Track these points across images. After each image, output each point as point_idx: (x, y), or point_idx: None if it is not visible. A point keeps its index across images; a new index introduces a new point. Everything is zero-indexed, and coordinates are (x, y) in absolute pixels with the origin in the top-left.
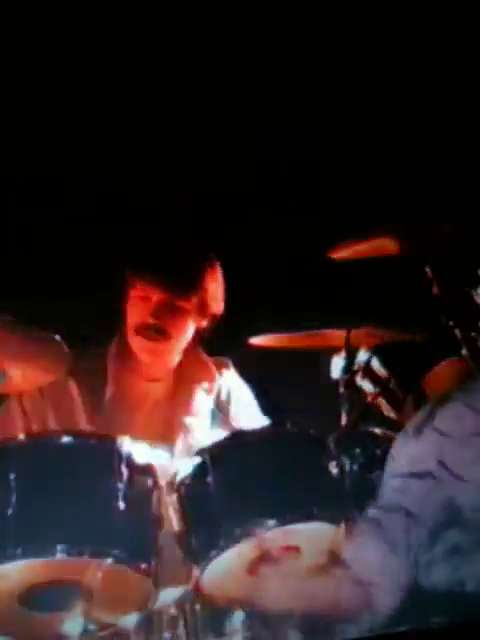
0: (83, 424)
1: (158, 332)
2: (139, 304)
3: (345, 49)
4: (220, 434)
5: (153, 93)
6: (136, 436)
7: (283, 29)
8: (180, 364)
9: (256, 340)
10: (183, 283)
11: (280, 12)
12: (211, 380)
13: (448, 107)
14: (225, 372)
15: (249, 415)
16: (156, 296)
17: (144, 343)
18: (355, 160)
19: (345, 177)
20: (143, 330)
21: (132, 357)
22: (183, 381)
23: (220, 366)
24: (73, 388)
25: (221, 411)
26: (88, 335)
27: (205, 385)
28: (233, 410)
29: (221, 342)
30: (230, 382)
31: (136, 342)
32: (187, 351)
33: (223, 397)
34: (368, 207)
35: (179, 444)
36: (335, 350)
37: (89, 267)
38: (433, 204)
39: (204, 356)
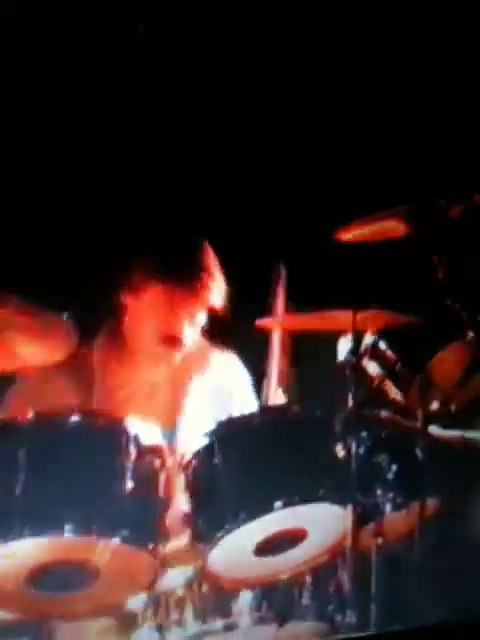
0: None
1: (184, 342)
2: (165, 312)
3: (345, 49)
4: (226, 416)
5: (153, 93)
6: (148, 418)
7: (283, 29)
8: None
9: (263, 322)
10: (215, 294)
11: (280, 12)
12: (208, 362)
13: (447, 105)
14: (222, 356)
15: (246, 401)
16: (187, 307)
17: (167, 352)
18: (355, 160)
19: (345, 177)
20: (173, 342)
21: (129, 349)
22: (181, 364)
23: (217, 349)
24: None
25: (222, 394)
26: (88, 334)
27: (204, 367)
28: (232, 394)
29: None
30: (226, 367)
31: (159, 350)
32: None
33: (222, 380)
34: (368, 206)
35: (184, 426)
36: (342, 333)
37: (89, 267)
38: (434, 203)
39: (201, 339)
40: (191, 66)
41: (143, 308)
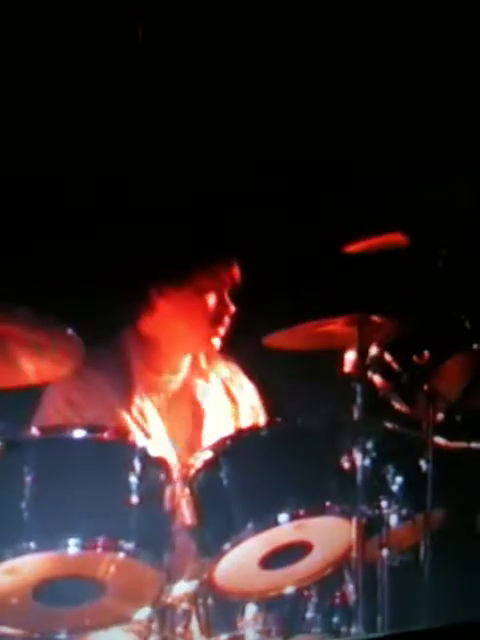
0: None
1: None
2: (201, 315)
3: (345, 49)
4: (232, 427)
5: (153, 93)
6: (155, 430)
7: (283, 29)
8: (193, 357)
9: (270, 341)
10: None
11: (280, 12)
12: (216, 374)
13: (448, 104)
14: (231, 369)
15: (251, 413)
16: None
17: (195, 356)
18: (356, 159)
19: (346, 177)
20: (207, 345)
21: (149, 350)
22: (195, 374)
23: (227, 362)
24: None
25: (228, 406)
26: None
27: (215, 379)
28: (237, 406)
29: (233, 336)
30: (234, 380)
31: (188, 353)
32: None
33: (230, 393)
34: (369, 207)
35: (191, 436)
36: (347, 344)
37: (89, 267)
38: (435, 201)
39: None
40: (191, 65)
41: (176, 311)
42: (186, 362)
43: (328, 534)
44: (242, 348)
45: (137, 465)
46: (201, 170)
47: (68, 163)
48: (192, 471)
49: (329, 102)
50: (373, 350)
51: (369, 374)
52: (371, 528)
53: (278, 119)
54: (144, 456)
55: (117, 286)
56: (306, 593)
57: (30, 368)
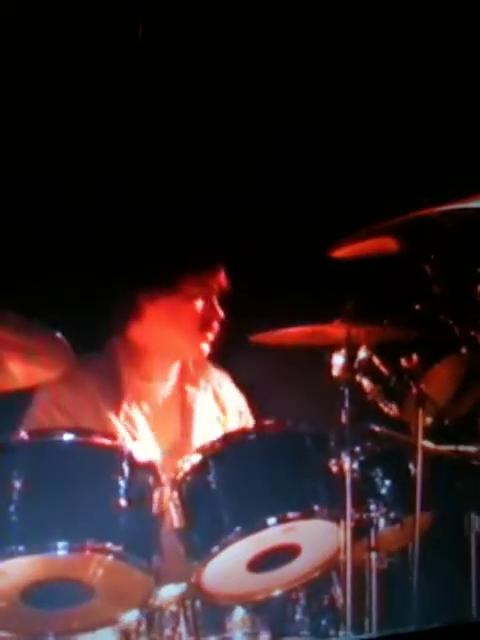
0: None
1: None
2: (191, 319)
3: (345, 50)
4: (221, 432)
5: (153, 92)
6: (143, 435)
7: (283, 29)
8: (182, 363)
9: (258, 337)
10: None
11: (280, 12)
12: (205, 378)
13: (447, 105)
14: (220, 374)
15: (239, 417)
16: (211, 317)
17: (184, 360)
18: (355, 159)
19: (345, 176)
20: (197, 350)
21: (138, 356)
22: (184, 380)
23: (216, 368)
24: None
25: (216, 410)
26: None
27: (204, 384)
28: (225, 410)
29: (222, 340)
30: (223, 385)
31: (178, 357)
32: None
33: (219, 398)
34: (369, 206)
35: (181, 441)
36: (336, 347)
37: (89, 268)
38: (434, 203)
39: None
40: (192, 65)
41: (164, 317)
42: (175, 369)
43: (316, 537)
44: (231, 350)
45: (125, 468)
46: (199, 170)
47: (64, 166)
48: (180, 474)
49: (328, 102)
50: (362, 353)
51: (358, 378)
52: (359, 531)
53: (277, 119)
54: (132, 460)
55: (106, 292)
56: (294, 596)
57: (19, 372)
